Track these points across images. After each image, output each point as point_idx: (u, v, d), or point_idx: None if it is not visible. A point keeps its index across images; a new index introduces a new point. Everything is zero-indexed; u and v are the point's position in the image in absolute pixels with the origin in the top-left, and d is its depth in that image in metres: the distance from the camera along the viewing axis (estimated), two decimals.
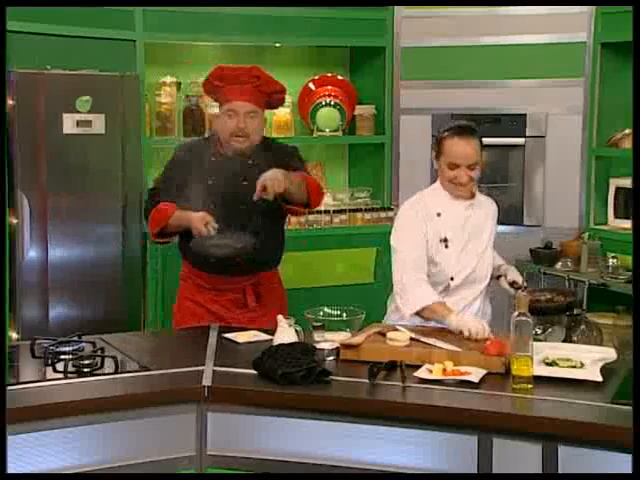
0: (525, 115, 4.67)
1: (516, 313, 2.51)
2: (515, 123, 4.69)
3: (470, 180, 3.08)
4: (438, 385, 2.43)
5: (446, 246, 3.09)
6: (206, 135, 3.44)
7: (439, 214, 3.11)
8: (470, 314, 3.08)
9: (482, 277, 3.15)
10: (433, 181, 4.93)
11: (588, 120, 4.56)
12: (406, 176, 4.88)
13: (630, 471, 2.10)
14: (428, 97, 4.82)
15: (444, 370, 2.49)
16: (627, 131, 4.44)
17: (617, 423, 2.18)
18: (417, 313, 2.99)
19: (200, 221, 3.12)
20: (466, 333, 2.80)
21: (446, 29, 4.75)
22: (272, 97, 3.31)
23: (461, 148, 3.04)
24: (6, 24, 2.80)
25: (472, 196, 3.15)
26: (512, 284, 3.14)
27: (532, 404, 2.34)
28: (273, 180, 3.06)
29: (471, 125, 3.13)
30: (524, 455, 2.22)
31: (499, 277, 3.21)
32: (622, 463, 2.13)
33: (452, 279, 3.10)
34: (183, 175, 3.27)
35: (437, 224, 3.10)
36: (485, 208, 3.21)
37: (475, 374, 2.47)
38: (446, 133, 3.08)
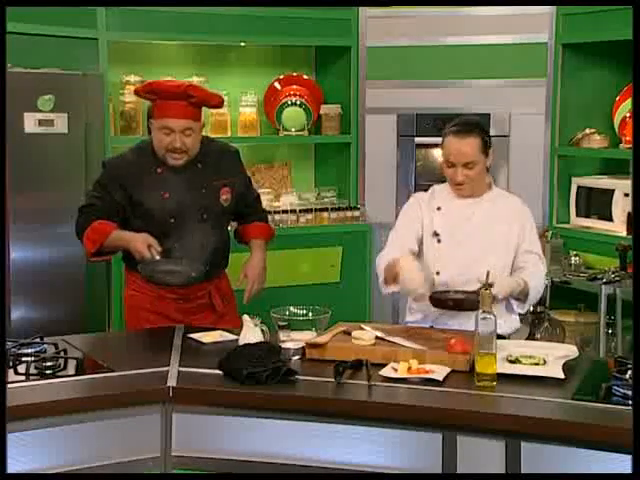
0: (489, 115, 4.72)
1: (480, 311, 2.52)
2: None
3: (467, 179, 2.98)
4: (403, 384, 2.44)
5: (438, 241, 3.03)
6: (134, 147, 3.27)
7: (439, 208, 3.06)
8: (464, 321, 2.94)
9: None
10: (399, 180, 5.03)
11: (551, 120, 4.61)
12: (372, 175, 4.90)
13: (598, 469, 2.14)
14: (393, 97, 4.84)
15: (409, 368, 2.50)
16: (588, 131, 4.50)
17: (579, 419, 2.21)
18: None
19: (143, 243, 3.00)
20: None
21: (411, 29, 4.78)
22: (209, 105, 3.25)
23: (457, 146, 2.95)
24: (6, 24, 2.73)
25: (477, 194, 3.04)
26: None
27: (495, 401, 2.36)
28: (260, 282, 3.29)
29: (473, 122, 3.04)
30: (487, 452, 2.24)
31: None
32: (584, 459, 2.16)
33: (437, 274, 3.01)
34: (126, 192, 3.12)
35: (434, 217, 3.05)
36: (501, 208, 3.05)
37: (439, 372, 2.48)
38: (447, 130, 3.01)
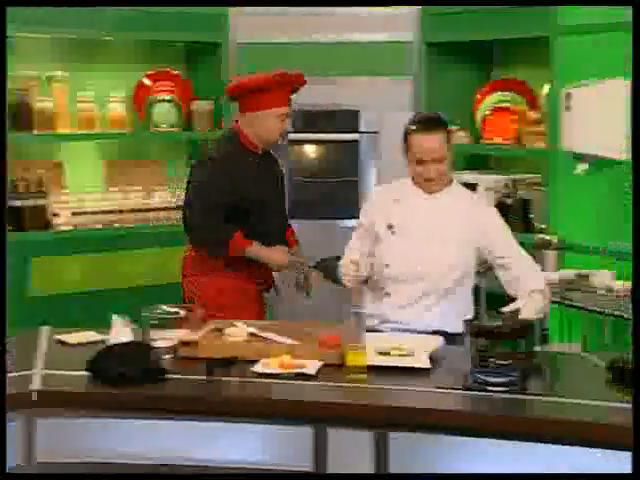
0: (358, 112, 4.79)
1: (351, 305, 2.57)
2: (349, 119, 4.79)
3: (439, 174, 2.95)
4: (276, 379, 2.45)
5: (392, 233, 2.99)
6: (225, 141, 3.48)
7: (397, 200, 3.02)
8: (416, 314, 2.95)
9: (435, 276, 2.94)
10: None
11: None
12: None
13: (464, 456, 2.21)
14: None
15: (282, 363, 2.51)
16: (453, 128, 4.64)
17: (444, 407, 2.28)
18: None
19: (284, 253, 3.40)
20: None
21: (282, 26, 4.79)
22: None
23: (426, 143, 2.91)
24: (6, 24, 2.67)
25: (439, 189, 3.01)
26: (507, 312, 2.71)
27: (365, 393, 2.41)
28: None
29: (437, 117, 3.03)
30: (357, 443, 2.27)
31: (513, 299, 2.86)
32: (452, 446, 2.22)
33: (387, 266, 2.97)
34: (236, 188, 3.34)
35: (391, 209, 3.01)
36: (459, 204, 3.00)
37: (312, 366, 2.51)
38: (411, 127, 2.97)
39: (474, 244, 2.97)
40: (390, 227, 2.99)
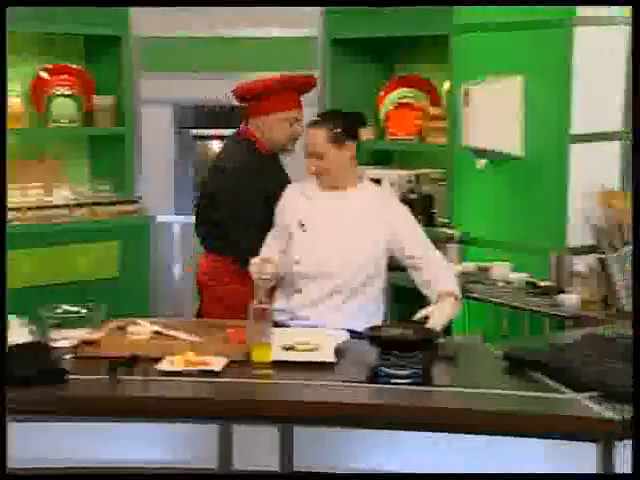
0: None
1: (255, 301, 2.57)
2: None
3: (320, 170, 2.96)
4: (180, 377, 2.43)
5: (303, 230, 2.99)
6: (240, 147, 3.37)
7: (310, 197, 3.02)
8: (324, 312, 2.96)
9: (343, 274, 2.95)
10: (177, 172, 5.02)
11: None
12: (148, 168, 4.83)
13: (370, 448, 2.23)
14: (169, 88, 4.80)
15: (186, 361, 2.49)
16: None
17: (349, 400, 2.30)
18: None
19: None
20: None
21: (184, 20, 4.75)
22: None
23: (307, 137, 2.99)
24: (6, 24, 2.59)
25: (343, 187, 3.00)
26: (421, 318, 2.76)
27: (270, 389, 2.42)
28: None
29: (327, 114, 3.11)
30: (262, 440, 2.27)
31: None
32: (355, 439, 2.25)
33: (297, 263, 2.98)
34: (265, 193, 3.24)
35: (303, 206, 3.01)
36: (367, 203, 3.00)
37: (217, 363, 2.49)
38: None
39: (384, 244, 2.98)
40: (301, 224, 3.00)
